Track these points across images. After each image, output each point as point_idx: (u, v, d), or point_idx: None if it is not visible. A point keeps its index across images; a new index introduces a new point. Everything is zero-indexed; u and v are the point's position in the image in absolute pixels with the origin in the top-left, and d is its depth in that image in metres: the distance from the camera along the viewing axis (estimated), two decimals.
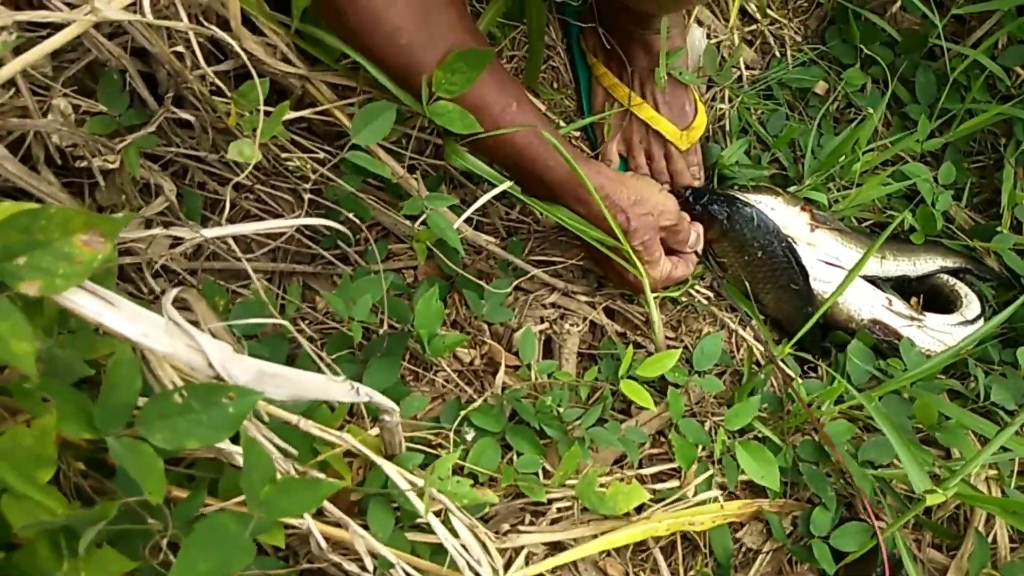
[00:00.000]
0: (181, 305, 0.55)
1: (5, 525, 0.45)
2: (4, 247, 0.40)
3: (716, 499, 0.81)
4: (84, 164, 0.65)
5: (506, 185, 0.76)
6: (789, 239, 0.94)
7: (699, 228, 0.94)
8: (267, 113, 0.71)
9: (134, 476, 0.42)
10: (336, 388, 0.52)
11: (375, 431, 0.78)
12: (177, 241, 0.68)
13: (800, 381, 0.89)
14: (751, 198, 0.97)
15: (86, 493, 0.50)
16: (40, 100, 0.59)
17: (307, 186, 0.68)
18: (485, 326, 0.89)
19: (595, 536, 0.78)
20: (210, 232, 0.59)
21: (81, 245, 0.41)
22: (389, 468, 0.68)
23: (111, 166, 0.65)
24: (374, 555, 0.66)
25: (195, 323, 0.52)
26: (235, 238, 0.83)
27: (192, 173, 0.78)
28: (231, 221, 0.85)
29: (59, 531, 0.44)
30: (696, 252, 0.94)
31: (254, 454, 0.46)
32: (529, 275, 0.89)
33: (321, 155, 0.83)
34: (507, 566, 0.78)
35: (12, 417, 0.47)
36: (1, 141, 0.62)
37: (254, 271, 0.82)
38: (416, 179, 0.80)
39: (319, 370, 0.70)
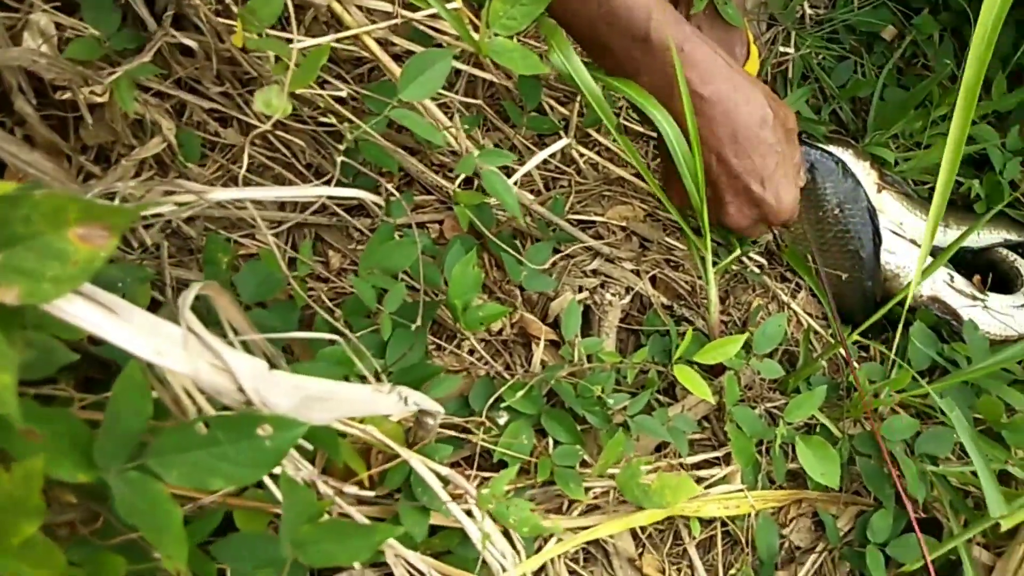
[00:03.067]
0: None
1: None
2: None
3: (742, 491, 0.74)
4: (67, 96, 0.53)
5: (565, 142, 0.65)
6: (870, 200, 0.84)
7: None
8: (287, 40, 0.59)
9: (147, 533, 0.33)
10: (384, 400, 0.43)
11: (396, 417, 0.70)
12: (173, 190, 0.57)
13: (858, 366, 0.82)
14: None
15: (79, 531, 0.41)
16: (12, 18, 0.47)
17: (341, 147, 0.56)
18: (517, 291, 0.80)
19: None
20: (220, 195, 0.48)
21: (77, 241, 0.30)
22: (418, 465, 0.60)
23: (99, 99, 0.53)
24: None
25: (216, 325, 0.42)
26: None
27: (191, 111, 0.66)
28: (230, 162, 0.74)
29: None
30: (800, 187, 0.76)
31: (294, 493, 0.37)
32: (576, 243, 0.79)
33: (344, 91, 0.72)
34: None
35: None
36: None
37: (261, 220, 0.72)
38: (455, 128, 0.69)
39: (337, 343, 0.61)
